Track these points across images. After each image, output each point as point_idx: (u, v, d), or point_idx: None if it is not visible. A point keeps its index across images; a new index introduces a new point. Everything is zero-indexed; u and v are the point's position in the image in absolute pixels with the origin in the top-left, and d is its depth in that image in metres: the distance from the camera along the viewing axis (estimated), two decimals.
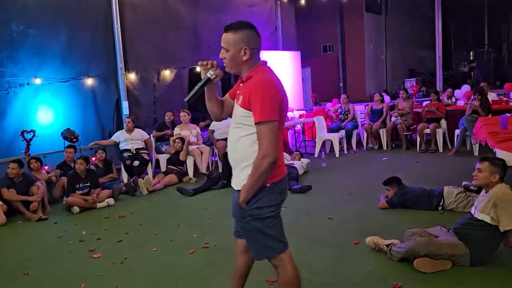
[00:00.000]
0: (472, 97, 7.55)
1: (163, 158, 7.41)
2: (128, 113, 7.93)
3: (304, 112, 10.49)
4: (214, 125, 7.73)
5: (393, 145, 8.45)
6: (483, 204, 3.08)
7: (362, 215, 4.48)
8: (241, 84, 2.17)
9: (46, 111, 7.19)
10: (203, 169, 7.04)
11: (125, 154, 6.99)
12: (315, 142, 8.56)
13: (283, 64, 10.53)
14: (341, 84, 14.54)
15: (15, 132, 6.60)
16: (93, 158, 6.91)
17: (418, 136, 7.95)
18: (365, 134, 8.69)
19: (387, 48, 15.42)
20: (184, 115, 7.64)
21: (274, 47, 11.24)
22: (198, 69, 9.17)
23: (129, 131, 7.25)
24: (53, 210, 5.76)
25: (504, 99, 8.62)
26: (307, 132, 9.25)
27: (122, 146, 7.18)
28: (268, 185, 2.08)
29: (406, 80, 13.58)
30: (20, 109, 6.85)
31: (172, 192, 6.21)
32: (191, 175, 7.09)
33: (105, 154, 6.96)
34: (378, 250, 3.43)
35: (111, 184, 6.44)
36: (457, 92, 9.95)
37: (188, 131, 7.52)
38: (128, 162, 6.89)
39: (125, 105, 8.00)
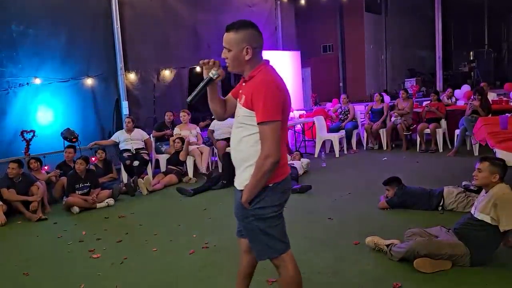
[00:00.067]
0: (472, 97, 7.55)
1: (163, 158, 7.41)
2: (128, 113, 7.93)
3: (304, 112, 10.49)
4: (214, 125, 7.73)
5: (393, 145, 8.45)
6: (483, 204, 3.08)
7: (362, 215, 4.48)
8: (243, 84, 2.16)
9: (46, 111, 7.19)
10: (203, 169, 7.04)
11: (125, 154, 6.99)
12: (315, 142, 8.56)
13: (283, 64, 10.52)
14: (341, 84, 14.54)
15: (15, 132, 6.60)
16: (93, 158, 6.91)
17: (418, 136, 7.95)
18: (365, 134, 8.68)
19: (387, 48, 15.42)
20: (184, 115, 7.63)
21: (274, 47, 11.24)
22: (198, 69, 9.20)
23: (129, 131, 7.25)
24: (53, 210, 5.76)
25: (504, 99, 8.62)
26: (307, 132, 9.25)
27: (122, 146, 7.17)
28: (271, 185, 2.07)
29: (406, 80, 13.57)
30: (20, 109, 6.86)
31: (172, 192, 6.21)
32: (191, 175, 7.08)
33: (105, 154, 6.96)
34: (378, 250, 3.43)
35: (111, 184, 6.43)
36: (457, 92, 9.94)
37: (188, 131, 7.52)
38: (128, 162, 6.89)
39: (125, 105, 8.00)
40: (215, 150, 7.65)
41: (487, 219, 3.03)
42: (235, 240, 3.87)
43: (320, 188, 5.74)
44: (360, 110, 9.33)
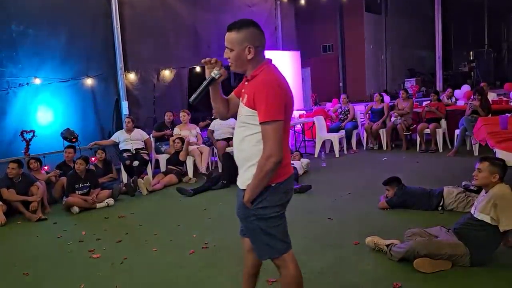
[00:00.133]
0: (472, 97, 7.55)
1: (162, 158, 7.41)
2: (127, 113, 7.93)
3: (304, 112, 10.50)
4: (213, 125, 7.73)
5: (393, 145, 8.45)
6: (483, 204, 3.08)
7: (362, 215, 4.48)
8: (246, 83, 2.16)
9: (46, 111, 7.19)
10: (202, 169, 7.04)
11: (125, 154, 6.99)
12: (315, 142, 8.56)
13: (283, 64, 10.52)
14: (341, 84, 14.54)
15: (15, 132, 6.61)
16: (93, 158, 6.91)
17: (418, 136, 7.95)
18: (365, 134, 8.68)
19: (387, 48, 15.42)
20: (184, 115, 7.63)
21: (274, 47, 11.23)
22: (198, 69, 9.21)
23: (129, 131, 7.24)
24: (53, 210, 5.75)
25: (504, 99, 8.63)
26: (307, 132, 9.25)
27: (122, 146, 7.17)
28: (273, 185, 2.07)
29: (406, 80, 13.58)
30: (19, 109, 6.85)
31: (172, 192, 6.20)
32: (190, 175, 7.08)
33: (104, 154, 6.96)
34: (378, 250, 3.43)
35: (110, 184, 6.43)
36: (457, 92, 9.95)
37: (187, 131, 7.52)
38: (127, 162, 6.89)
39: (124, 105, 8.00)
40: (215, 150, 7.64)
41: (487, 219, 3.03)
42: (235, 240, 3.88)
43: (320, 188, 5.74)
44: (360, 110, 9.33)
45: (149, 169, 7.25)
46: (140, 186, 6.35)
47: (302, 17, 13.22)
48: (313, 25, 14.19)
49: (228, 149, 7.19)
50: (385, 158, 7.54)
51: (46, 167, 6.46)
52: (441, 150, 7.70)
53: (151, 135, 7.65)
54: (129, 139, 7.17)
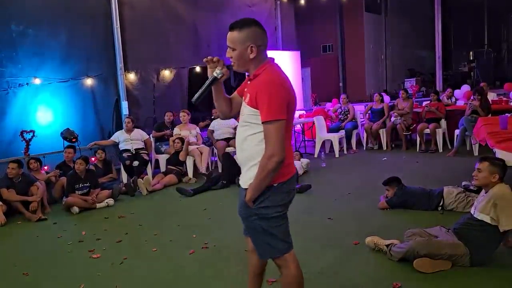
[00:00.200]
0: (472, 97, 7.55)
1: (162, 158, 7.41)
2: (127, 113, 7.92)
3: (303, 112, 10.49)
4: (213, 125, 7.73)
5: (393, 145, 8.45)
6: (483, 204, 3.08)
7: (362, 215, 4.48)
8: (248, 82, 2.15)
9: (46, 111, 7.19)
10: (202, 169, 7.04)
11: (125, 154, 6.98)
12: (314, 142, 8.56)
13: (283, 64, 10.47)
14: (341, 84, 14.54)
15: (15, 132, 6.60)
16: (93, 158, 6.91)
17: (418, 136, 7.95)
18: (365, 134, 8.68)
19: (387, 48, 15.43)
20: (184, 115, 7.63)
21: (273, 47, 11.25)
22: (198, 69, 9.21)
23: (129, 131, 7.24)
24: (53, 211, 5.75)
25: (504, 99, 8.63)
26: (307, 132, 9.24)
27: (122, 146, 7.17)
28: (275, 184, 2.06)
29: (406, 80, 13.58)
30: (19, 109, 6.85)
31: (172, 193, 6.20)
32: (190, 175, 7.08)
33: (104, 154, 6.96)
34: (378, 250, 3.43)
35: (110, 184, 6.43)
36: (457, 92, 9.94)
37: (187, 131, 7.52)
38: (127, 162, 6.89)
39: (124, 105, 8.00)
40: (215, 150, 7.64)
41: (486, 219, 3.03)
42: (235, 240, 3.89)
43: (320, 188, 5.74)
44: (360, 110, 9.33)
45: (149, 169, 7.25)
46: (140, 186, 6.35)
47: (302, 17, 13.22)
48: (313, 25, 14.19)
49: (228, 149, 7.19)
50: (385, 158, 7.54)
51: (46, 167, 6.46)
52: (441, 150, 7.70)
53: (151, 135, 7.65)
54: (129, 139, 7.17)
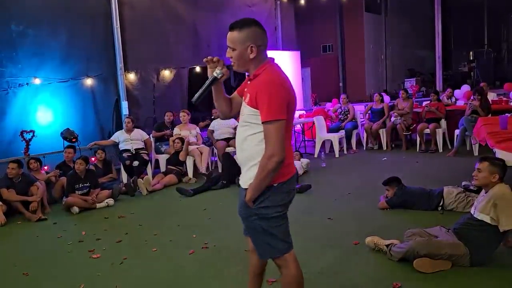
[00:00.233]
0: (471, 97, 7.55)
1: (162, 158, 7.40)
2: (127, 113, 7.92)
3: (303, 112, 10.49)
4: (213, 125, 7.73)
5: (393, 145, 8.45)
6: (483, 204, 3.08)
7: (362, 215, 4.48)
8: (248, 82, 2.15)
9: (46, 111, 7.19)
10: (202, 169, 7.04)
11: (125, 154, 6.98)
12: (314, 142, 8.56)
13: (283, 64, 10.48)
14: (341, 84, 14.55)
15: (15, 132, 6.60)
16: (93, 158, 6.91)
17: (418, 136, 7.94)
18: (365, 134, 8.68)
19: (386, 48, 15.43)
20: (184, 115, 7.63)
21: (273, 47, 11.25)
22: (198, 69, 9.21)
23: (129, 131, 7.24)
24: (53, 211, 5.75)
25: (504, 99, 8.63)
26: (307, 132, 9.24)
27: (122, 146, 7.17)
28: (275, 184, 2.06)
29: (406, 80, 13.59)
30: (19, 109, 6.85)
31: (172, 193, 6.20)
32: (190, 175, 7.08)
33: (104, 154, 6.96)
34: (378, 250, 3.43)
35: (110, 184, 6.43)
36: (456, 92, 9.94)
37: (187, 131, 7.52)
38: (127, 162, 6.88)
39: (124, 105, 8.00)
40: (215, 150, 7.64)
41: (486, 219, 3.03)
42: (234, 240, 3.90)
43: (320, 188, 5.74)
44: (360, 110, 9.33)
45: (149, 169, 7.25)
46: (140, 186, 6.35)
47: (302, 17, 13.23)
48: (313, 25, 14.19)
49: (228, 149, 7.19)
50: (385, 158, 7.54)
51: (46, 167, 6.46)
52: (441, 150, 7.70)
53: (151, 135, 7.65)
54: (129, 139, 7.17)
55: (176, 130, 7.52)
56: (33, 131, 6.51)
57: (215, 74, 2.15)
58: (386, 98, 10.34)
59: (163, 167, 7.32)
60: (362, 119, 8.98)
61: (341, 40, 14.45)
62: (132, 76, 8.26)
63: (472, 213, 3.18)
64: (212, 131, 7.69)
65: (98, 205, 5.71)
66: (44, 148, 6.71)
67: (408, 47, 15.79)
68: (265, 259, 2.24)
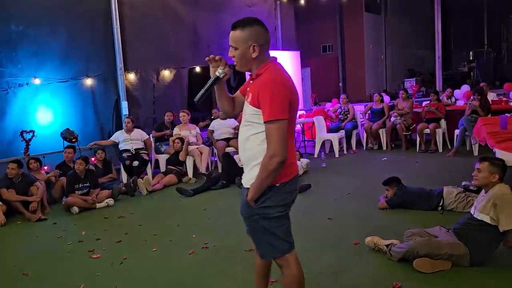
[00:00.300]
0: (471, 97, 7.55)
1: (162, 158, 7.40)
2: (127, 113, 7.92)
3: (303, 112, 10.49)
4: (213, 125, 7.73)
5: (393, 145, 8.45)
6: (483, 204, 3.08)
7: (362, 215, 4.48)
8: (251, 81, 2.15)
9: (45, 111, 7.19)
10: (202, 169, 7.04)
11: (125, 154, 6.98)
12: (314, 142, 8.56)
13: (283, 64, 10.47)
14: (340, 84, 14.54)
15: (15, 132, 6.61)
16: (93, 158, 6.91)
17: (417, 136, 7.95)
18: (365, 134, 8.68)
19: (386, 48, 15.43)
20: (184, 115, 7.63)
21: (273, 47, 11.23)
22: (198, 69, 9.21)
23: (129, 131, 7.24)
24: (53, 211, 5.75)
25: (504, 99, 8.63)
26: (307, 132, 9.24)
27: (122, 146, 7.17)
28: (277, 184, 2.05)
29: (405, 80, 13.58)
30: (19, 110, 6.85)
31: (172, 193, 6.20)
32: (190, 175, 7.08)
33: (104, 154, 6.96)
34: (377, 250, 3.43)
35: (110, 184, 6.43)
36: (456, 92, 9.94)
37: (187, 131, 7.52)
38: (127, 162, 6.88)
39: (124, 105, 7.99)
40: (215, 150, 7.64)
41: (486, 219, 3.03)
42: (235, 240, 3.90)
43: (319, 188, 5.74)
44: (359, 110, 9.33)
45: (149, 169, 7.25)
46: (140, 186, 6.35)
47: (301, 17, 13.22)
48: (312, 25, 14.19)
49: (228, 149, 7.19)
50: (385, 158, 7.55)
51: (45, 167, 6.46)
52: (440, 150, 7.70)
53: (151, 135, 7.65)
54: (129, 139, 7.17)
55: (176, 130, 7.52)
56: (33, 131, 6.51)
57: (217, 74, 2.15)
58: (386, 98, 10.34)
59: (163, 167, 7.32)
60: (362, 119, 8.98)
61: (341, 40, 14.45)
62: (132, 76, 8.26)
63: (472, 213, 3.18)
64: (212, 131, 7.69)
65: (98, 205, 5.71)
66: (44, 148, 6.71)
67: (408, 47, 15.79)
68: (266, 259, 2.23)
